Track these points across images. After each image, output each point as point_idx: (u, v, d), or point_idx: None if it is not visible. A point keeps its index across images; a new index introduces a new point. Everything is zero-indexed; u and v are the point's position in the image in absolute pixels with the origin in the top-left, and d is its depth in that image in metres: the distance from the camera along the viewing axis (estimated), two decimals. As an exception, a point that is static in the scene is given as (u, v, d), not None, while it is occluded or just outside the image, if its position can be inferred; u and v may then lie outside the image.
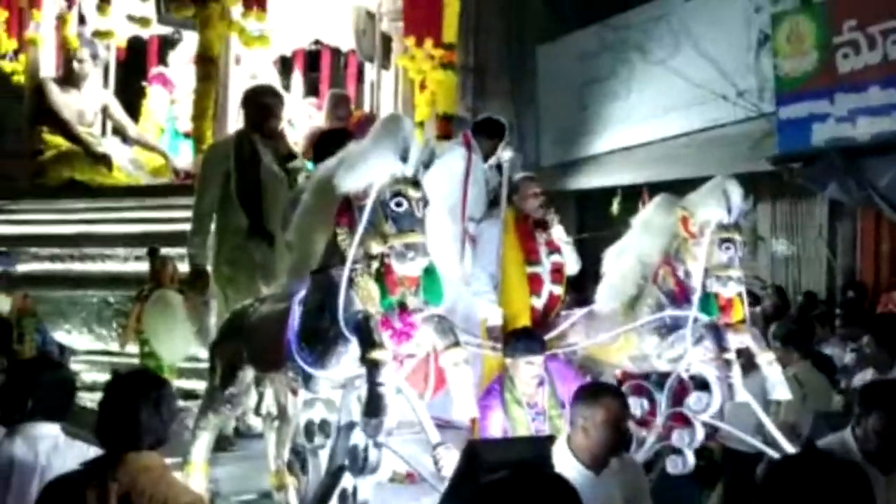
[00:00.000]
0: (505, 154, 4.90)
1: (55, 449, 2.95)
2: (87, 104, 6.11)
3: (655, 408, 4.28)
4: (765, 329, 5.62)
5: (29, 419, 2.98)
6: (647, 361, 4.30)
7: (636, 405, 4.27)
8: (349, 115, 6.42)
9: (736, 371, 3.88)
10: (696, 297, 4.07)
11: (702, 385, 4.13)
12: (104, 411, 2.51)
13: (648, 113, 11.96)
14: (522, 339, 4.23)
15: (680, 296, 4.18)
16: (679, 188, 4.59)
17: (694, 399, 4.13)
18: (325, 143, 4.28)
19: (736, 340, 4.06)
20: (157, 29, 6.16)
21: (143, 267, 5.18)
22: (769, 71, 10.14)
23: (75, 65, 6.06)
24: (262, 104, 4.70)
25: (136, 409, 2.43)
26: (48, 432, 2.97)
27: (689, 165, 10.11)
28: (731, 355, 3.94)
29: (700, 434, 4.16)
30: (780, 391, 4.02)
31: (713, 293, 4.08)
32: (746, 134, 10.53)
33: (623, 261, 4.43)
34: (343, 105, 6.40)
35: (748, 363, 4.21)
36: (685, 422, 4.18)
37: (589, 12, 12.67)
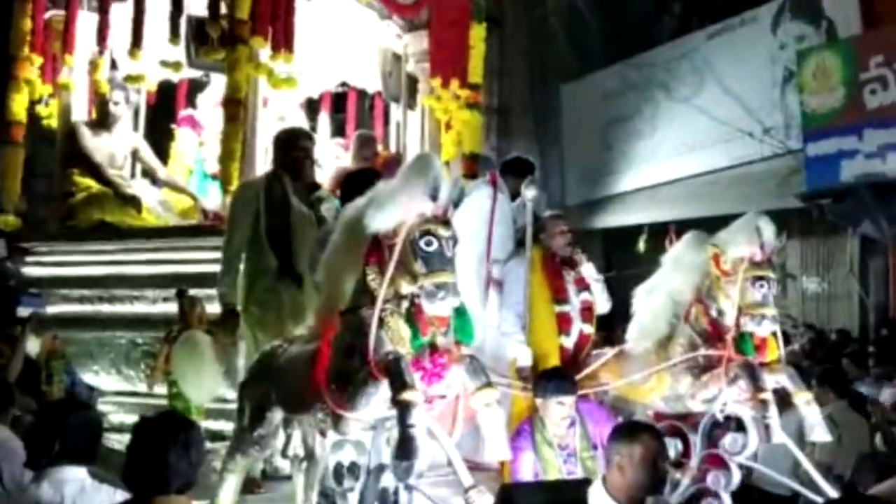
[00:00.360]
0: (528, 192, 4.87)
1: (82, 492, 2.92)
2: (117, 147, 6.18)
3: (690, 449, 4.20)
4: (799, 368, 5.52)
5: (56, 462, 2.96)
6: (680, 402, 4.22)
7: (670, 446, 4.17)
8: (375, 155, 6.45)
9: (773, 411, 3.80)
10: (729, 337, 4.00)
11: (737, 426, 4.04)
12: (132, 454, 2.50)
13: (673, 151, 11.94)
14: (553, 379, 4.18)
15: (713, 335, 4.11)
16: (706, 226, 4.54)
17: (730, 440, 4.04)
18: (352, 183, 4.29)
19: (772, 380, 3.99)
20: (186, 72, 6.25)
21: (172, 308, 5.19)
22: (795, 108, 10.12)
23: (107, 108, 6.15)
24: (296, 146, 4.73)
25: (165, 452, 2.42)
26: (74, 475, 2.95)
27: (716, 203, 10.05)
28: (768, 395, 3.86)
29: (736, 476, 4.06)
30: (819, 432, 3.93)
31: (747, 332, 4.01)
32: (773, 171, 10.48)
33: (654, 299, 4.37)
34: (369, 145, 6.44)
35: (781, 403, 4.12)
36: (721, 464, 4.09)
37: (612, 51, 12.75)
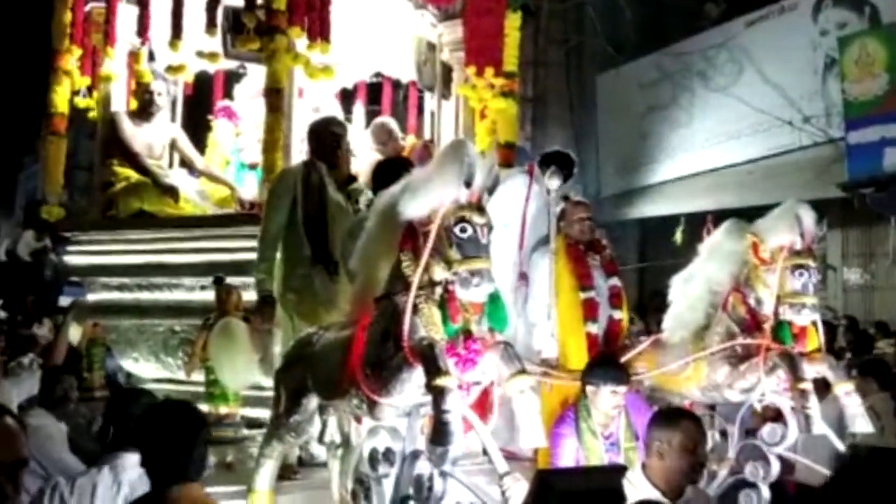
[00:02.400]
0: (553, 182, 4.83)
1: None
2: (156, 137, 6.25)
3: (727, 440, 4.15)
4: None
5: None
6: (717, 392, 4.18)
7: (708, 437, 4.13)
8: (391, 141, 6.45)
9: (813, 402, 3.74)
10: (768, 325, 3.95)
11: (776, 416, 3.99)
12: (148, 443, 2.56)
13: (711, 140, 11.80)
14: (608, 366, 4.15)
15: (751, 324, 4.06)
16: (744, 215, 4.49)
17: (768, 431, 3.99)
18: (383, 172, 4.31)
19: (812, 370, 3.93)
20: (223, 63, 6.29)
21: (209, 296, 5.24)
22: (836, 95, 9.94)
23: (146, 99, 6.23)
24: (329, 134, 4.77)
25: (187, 442, 2.52)
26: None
27: (755, 193, 9.92)
28: (808, 385, 3.80)
29: (775, 468, 4.01)
30: (860, 423, 3.87)
31: (786, 321, 3.96)
32: (813, 160, 10.31)
33: (691, 288, 4.33)
34: (379, 132, 6.46)
35: (820, 393, 4.06)
36: (759, 455, 4.04)
37: (648, 41, 12.62)
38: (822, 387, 4.08)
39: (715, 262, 4.28)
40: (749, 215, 4.37)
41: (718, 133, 11.67)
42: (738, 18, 11.68)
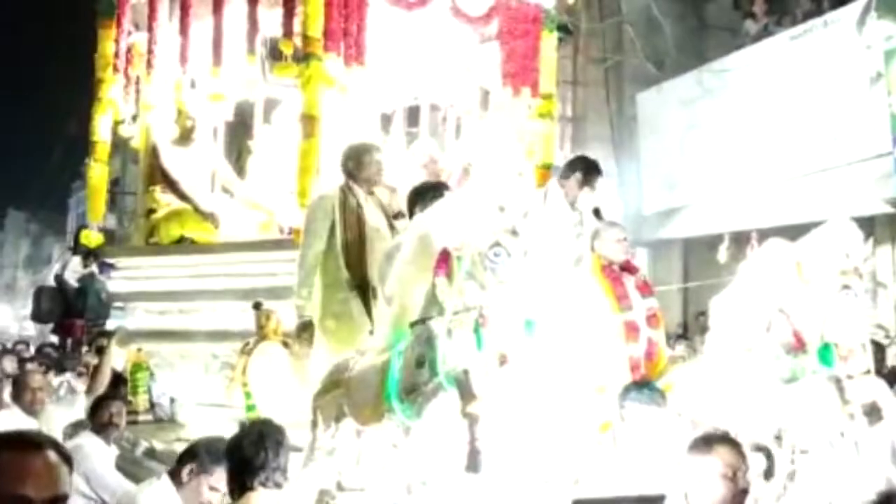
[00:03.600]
0: (587, 198, 4.76)
1: None
2: (196, 164, 6.36)
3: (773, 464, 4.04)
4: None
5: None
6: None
7: (752, 461, 4.03)
8: (430, 164, 6.45)
9: (861, 426, 3.63)
10: (814, 347, 3.85)
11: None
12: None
13: (754, 157, 11.61)
14: (643, 388, 4.06)
15: (797, 346, 3.96)
16: (789, 233, 4.38)
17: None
18: (420, 195, 4.31)
19: (860, 393, 3.81)
20: (263, 90, 6.39)
21: (249, 320, 5.28)
22: (883, 109, 9.72)
23: (187, 126, 6.33)
24: (368, 159, 4.79)
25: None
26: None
27: (800, 210, 9.72)
28: (855, 408, 3.69)
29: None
30: (913, 449, 3.74)
31: (833, 342, 3.85)
32: (860, 175, 10.08)
33: (733, 309, 4.23)
34: (422, 155, 6.49)
35: (871, 416, 3.94)
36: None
37: (689, 58, 12.50)
38: (872, 411, 3.95)
39: (757, 282, 4.19)
40: (795, 232, 4.27)
41: (762, 149, 11.49)
42: (782, 33, 11.52)
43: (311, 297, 4.61)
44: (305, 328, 4.58)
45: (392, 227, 4.73)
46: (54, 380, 6.41)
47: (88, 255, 7.03)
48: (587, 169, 5.02)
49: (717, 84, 12.12)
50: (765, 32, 11.98)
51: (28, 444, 1.60)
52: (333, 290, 4.60)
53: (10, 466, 1.53)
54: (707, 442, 3.01)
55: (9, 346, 12.30)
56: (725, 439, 3.11)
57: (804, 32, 11.18)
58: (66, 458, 1.60)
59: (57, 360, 7.90)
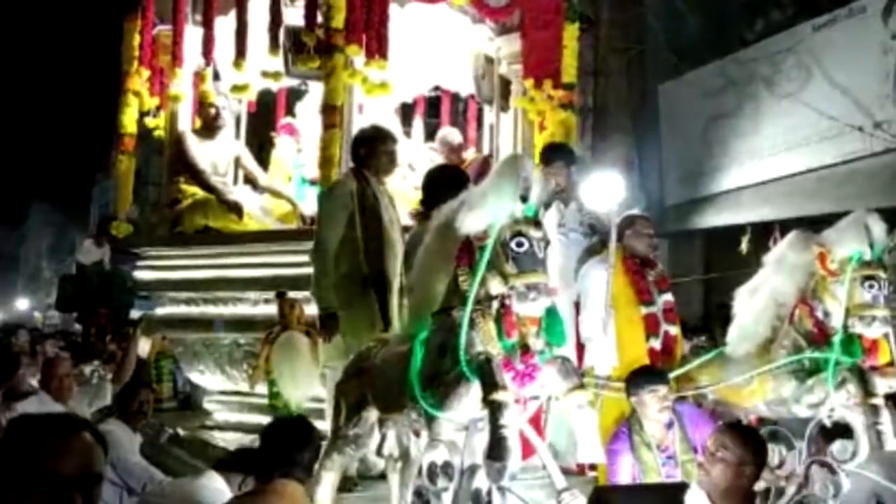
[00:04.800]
0: (613, 196, 4.74)
1: None
2: (220, 155, 6.41)
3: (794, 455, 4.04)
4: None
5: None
6: (784, 406, 4.07)
7: (773, 453, 4.04)
8: (454, 151, 6.50)
9: (885, 417, 3.62)
10: (837, 339, 3.84)
11: (846, 432, 3.87)
12: (262, 446, 3.01)
13: (778, 148, 11.53)
14: (642, 372, 4.10)
15: (819, 337, 3.94)
16: (813, 225, 4.36)
17: (838, 447, 3.86)
18: (437, 179, 4.32)
19: (884, 384, 3.79)
20: (285, 81, 6.42)
21: (272, 310, 5.33)
22: (909, 99, 9.62)
23: (211, 118, 6.39)
24: (385, 148, 4.77)
25: (293, 445, 2.92)
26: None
27: (824, 201, 9.66)
28: (879, 400, 3.68)
29: (846, 485, 3.88)
30: (936, 440, 3.71)
31: (856, 334, 3.84)
32: (885, 167, 9.99)
33: (756, 301, 4.22)
34: (447, 142, 6.53)
35: (892, 409, 3.92)
36: (829, 471, 3.91)
37: (711, 48, 12.41)
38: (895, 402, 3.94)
39: (780, 273, 4.17)
40: (819, 224, 4.25)
41: (785, 140, 11.39)
42: (805, 23, 11.42)
43: (331, 286, 4.54)
44: (329, 318, 4.52)
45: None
46: (85, 367, 6.50)
47: (102, 239, 7.13)
48: (571, 155, 5.05)
49: (740, 74, 12.04)
50: (789, 22, 11.87)
51: (63, 425, 1.65)
52: (349, 282, 4.54)
53: (47, 447, 1.58)
54: (728, 433, 3.02)
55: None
56: (747, 432, 3.11)
57: (829, 22, 11.07)
58: (100, 440, 1.65)
59: (84, 348, 8.01)
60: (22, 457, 1.56)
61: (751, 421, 4.38)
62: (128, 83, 6.41)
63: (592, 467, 4.25)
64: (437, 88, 7.50)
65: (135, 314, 6.60)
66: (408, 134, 7.28)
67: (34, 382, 5.26)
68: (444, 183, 4.10)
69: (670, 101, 13.01)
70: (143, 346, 6.62)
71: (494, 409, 2.82)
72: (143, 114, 6.52)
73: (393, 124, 7.02)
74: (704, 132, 12.56)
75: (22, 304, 34.48)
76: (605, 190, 4.78)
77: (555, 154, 5.42)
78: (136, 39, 6.38)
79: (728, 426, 3.11)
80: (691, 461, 3.94)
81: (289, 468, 2.92)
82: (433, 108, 8.02)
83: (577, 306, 4.72)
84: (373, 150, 4.76)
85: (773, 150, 11.63)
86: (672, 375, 4.25)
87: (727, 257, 10.82)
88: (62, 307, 15.23)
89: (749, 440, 3.05)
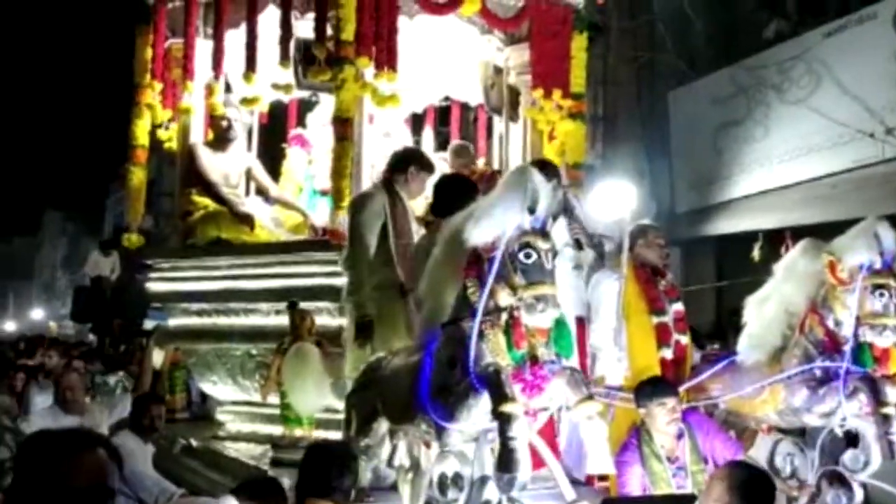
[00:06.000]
0: (627, 206, 4.74)
1: None
2: (232, 166, 6.45)
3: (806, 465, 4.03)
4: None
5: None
6: (795, 416, 4.06)
7: (785, 462, 4.03)
8: (472, 163, 6.51)
9: (897, 427, 3.61)
10: (848, 348, 3.83)
11: (856, 441, 3.86)
12: (303, 471, 3.08)
13: (788, 154, 11.50)
14: (651, 384, 4.09)
15: (830, 346, 3.94)
16: (823, 232, 4.35)
17: (850, 457, 3.86)
18: (443, 189, 4.35)
19: (895, 393, 3.78)
20: (296, 93, 6.47)
21: (284, 320, 5.36)
22: (920, 105, 9.58)
23: (222, 130, 6.43)
24: (420, 171, 4.87)
25: (328, 470, 3.01)
26: None
27: (835, 208, 9.61)
28: (891, 409, 3.67)
29: (859, 495, 3.87)
30: (949, 450, 3.69)
31: (867, 343, 3.83)
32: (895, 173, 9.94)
33: (766, 310, 4.22)
34: (463, 154, 6.54)
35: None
36: (840, 481, 3.91)
37: (720, 55, 12.40)
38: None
39: (791, 282, 4.17)
40: (830, 231, 4.24)
41: (796, 147, 11.36)
42: (815, 30, 11.40)
43: (369, 296, 4.59)
44: (366, 328, 4.54)
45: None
46: (110, 378, 6.54)
47: (110, 250, 7.12)
48: (552, 170, 5.06)
49: (749, 81, 12.02)
50: (798, 28, 11.86)
51: (78, 441, 1.67)
52: (381, 292, 4.58)
53: (61, 462, 1.61)
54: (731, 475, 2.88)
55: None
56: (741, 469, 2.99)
57: (839, 28, 11.05)
58: (115, 455, 1.68)
59: (108, 359, 8.07)
60: (37, 472, 1.59)
61: (762, 430, 4.37)
62: (140, 96, 6.46)
63: (601, 478, 4.26)
64: (446, 98, 7.53)
65: (146, 325, 6.62)
66: (418, 143, 7.31)
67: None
68: (454, 192, 4.14)
69: (680, 108, 13.00)
70: (157, 358, 6.66)
71: (504, 420, 2.83)
72: (155, 126, 6.57)
73: (404, 134, 7.07)
74: (715, 139, 12.54)
75: (37, 313, 34.68)
76: (616, 199, 4.80)
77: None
78: (149, 52, 6.43)
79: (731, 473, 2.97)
80: (702, 471, 3.93)
81: (323, 493, 3.00)
82: (443, 118, 8.06)
83: (579, 320, 4.66)
84: (416, 174, 4.86)
85: (783, 156, 11.60)
86: (683, 387, 4.24)
87: (739, 264, 10.78)
88: (77, 317, 15.35)
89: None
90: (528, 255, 2.97)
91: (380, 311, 4.55)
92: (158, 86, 6.43)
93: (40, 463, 1.60)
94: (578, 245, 4.61)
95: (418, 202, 5.93)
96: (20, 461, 1.63)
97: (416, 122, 7.81)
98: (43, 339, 13.30)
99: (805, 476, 4.04)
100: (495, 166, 6.90)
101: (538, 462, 3.13)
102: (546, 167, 4.95)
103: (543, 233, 3.01)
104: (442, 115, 8.02)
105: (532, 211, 3.00)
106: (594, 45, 9.04)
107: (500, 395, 2.86)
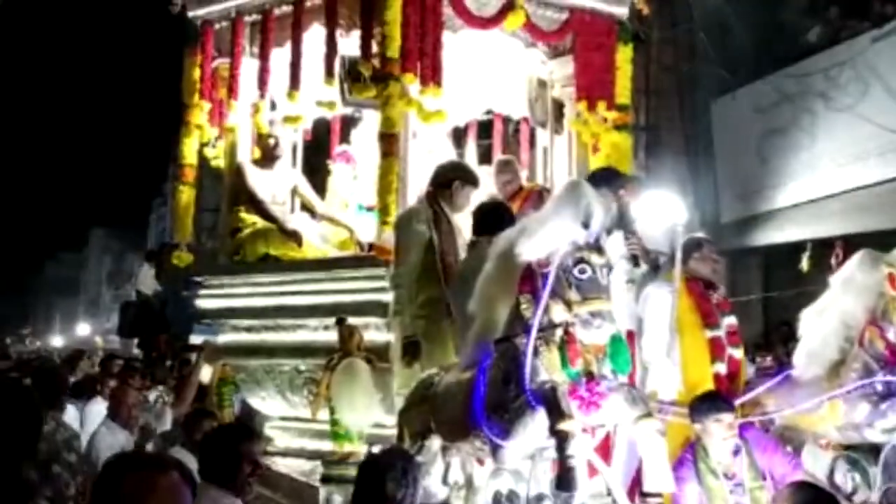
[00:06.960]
0: (678, 217, 4.69)
1: None
2: (278, 184, 6.51)
3: (869, 482, 3.93)
4: None
5: None
6: (857, 431, 3.97)
7: (846, 479, 3.94)
8: (514, 178, 6.46)
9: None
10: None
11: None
12: (359, 482, 3.01)
13: (836, 162, 11.30)
14: (707, 399, 4.02)
15: (891, 359, 3.86)
16: (874, 241, 4.27)
17: (914, 474, 3.76)
18: (483, 217, 4.35)
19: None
20: (340, 109, 6.51)
21: (332, 336, 5.37)
22: (974, 110, 9.36)
23: (268, 148, 6.50)
24: (466, 186, 4.94)
25: (384, 481, 2.89)
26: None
27: (884, 217, 9.42)
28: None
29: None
30: None
31: (930, 356, 3.74)
32: (952, 179, 9.73)
33: (823, 323, 4.14)
34: (506, 169, 6.45)
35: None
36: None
37: (764, 63, 12.25)
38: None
39: (848, 295, 4.09)
40: (880, 240, 4.16)
41: (844, 154, 11.16)
42: (863, 35, 11.21)
43: (414, 315, 4.63)
44: (412, 348, 4.60)
45: None
46: (150, 393, 6.61)
47: (160, 267, 7.19)
48: (617, 178, 5.00)
49: (794, 88, 11.85)
50: (840, 34, 11.67)
51: (154, 465, 1.69)
52: (429, 309, 4.60)
53: (137, 487, 1.62)
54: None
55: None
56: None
57: (887, 34, 10.86)
58: (189, 479, 1.69)
59: (150, 373, 8.16)
60: (115, 495, 1.61)
61: (821, 445, 4.27)
62: (188, 115, 6.56)
63: (650, 494, 4.19)
64: (489, 111, 7.53)
65: (193, 340, 6.67)
66: (461, 156, 7.30)
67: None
68: (492, 219, 4.16)
69: (723, 117, 12.86)
70: (206, 373, 6.71)
71: (561, 438, 2.81)
72: (202, 144, 6.66)
73: (446, 147, 7.08)
74: (759, 148, 12.38)
75: (83, 329, 35.34)
76: (663, 210, 4.75)
77: (598, 181, 5.32)
78: (196, 73, 6.53)
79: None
80: (760, 488, 3.85)
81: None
82: (485, 131, 8.05)
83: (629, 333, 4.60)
84: (460, 189, 4.90)
85: (831, 164, 11.40)
86: (738, 402, 4.16)
87: (787, 275, 10.61)
88: (124, 333, 15.55)
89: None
90: (582, 271, 2.95)
91: (427, 329, 4.56)
92: (206, 105, 6.52)
93: (117, 486, 1.61)
94: (635, 261, 4.54)
95: (464, 216, 5.93)
96: (100, 485, 1.65)
97: (458, 135, 7.82)
98: (82, 353, 13.46)
99: (867, 493, 3.94)
100: (539, 179, 6.87)
101: (593, 476, 3.09)
102: (612, 176, 4.94)
103: (598, 248, 3.00)
104: (484, 128, 8.02)
105: (586, 226, 2.98)
106: (636, 56, 8.97)
107: (557, 413, 2.83)
